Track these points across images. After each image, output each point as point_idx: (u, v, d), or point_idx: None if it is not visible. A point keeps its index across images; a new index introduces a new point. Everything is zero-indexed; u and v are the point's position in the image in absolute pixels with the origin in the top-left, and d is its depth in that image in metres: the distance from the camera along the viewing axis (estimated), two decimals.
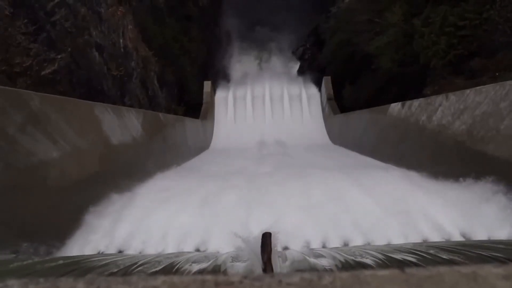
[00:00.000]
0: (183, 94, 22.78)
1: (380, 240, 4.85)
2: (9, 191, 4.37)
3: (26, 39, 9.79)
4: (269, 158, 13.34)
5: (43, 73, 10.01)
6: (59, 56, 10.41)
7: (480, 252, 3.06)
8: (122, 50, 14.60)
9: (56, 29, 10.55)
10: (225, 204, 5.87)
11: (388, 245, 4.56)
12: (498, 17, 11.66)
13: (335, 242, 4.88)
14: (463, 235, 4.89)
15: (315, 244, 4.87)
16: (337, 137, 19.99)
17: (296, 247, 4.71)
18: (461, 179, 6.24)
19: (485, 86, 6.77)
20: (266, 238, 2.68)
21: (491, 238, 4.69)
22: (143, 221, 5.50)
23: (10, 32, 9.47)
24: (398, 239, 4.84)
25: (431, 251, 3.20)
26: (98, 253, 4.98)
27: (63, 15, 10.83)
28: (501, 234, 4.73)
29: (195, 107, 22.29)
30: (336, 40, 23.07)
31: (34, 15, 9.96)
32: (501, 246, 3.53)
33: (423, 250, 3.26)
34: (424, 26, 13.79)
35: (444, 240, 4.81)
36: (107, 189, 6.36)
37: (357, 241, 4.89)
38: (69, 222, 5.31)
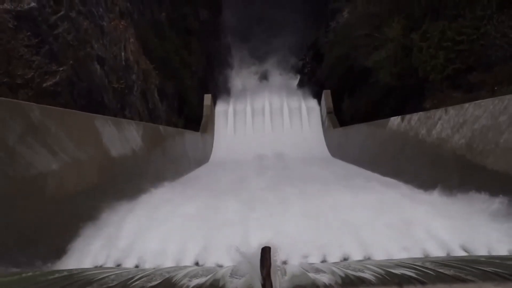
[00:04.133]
0: (183, 107, 22.88)
1: (380, 254, 4.81)
2: (7, 203, 4.35)
3: (29, 52, 9.88)
4: (268, 171, 13.32)
5: (44, 85, 10.07)
6: (60, 69, 10.49)
7: (481, 268, 3.03)
8: (123, 63, 14.72)
9: (59, 42, 10.65)
10: (224, 219, 5.83)
11: (389, 260, 4.52)
12: (495, 32, 11.81)
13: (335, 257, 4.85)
14: (463, 250, 4.85)
15: (314, 258, 4.84)
16: (337, 150, 20.01)
17: (295, 261, 4.68)
18: (460, 192, 6.24)
19: (484, 100, 6.81)
20: (266, 252, 2.66)
21: (491, 253, 4.66)
22: (142, 234, 5.46)
23: (13, 44, 9.56)
24: (398, 253, 4.80)
25: (431, 266, 3.17)
26: (96, 266, 4.93)
27: (66, 28, 10.95)
28: (501, 248, 4.70)
29: (195, 120, 22.36)
30: (335, 54, 23.29)
31: (37, 28, 10.07)
32: (502, 261, 3.50)
33: (423, 265, 3.23)
34: (422, 41, 13.94)
35: (444, 255, 4.77)
36: (105, 201, 6.33)
37: (357, 256, 4.85)
38: (66, 234, 5.27)
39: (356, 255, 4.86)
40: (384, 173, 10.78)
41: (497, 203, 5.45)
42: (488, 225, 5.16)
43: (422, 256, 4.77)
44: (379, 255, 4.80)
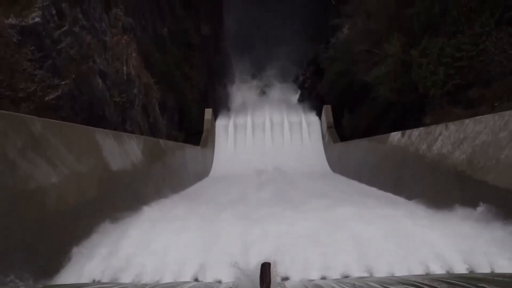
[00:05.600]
0: (183, 121, 22.95)
1: (382, 269, 4.76)
2: (5, 216, 4.33)
3: (32, 66, 9.98)
4: (268, 186, 13.27)
5: (46, 98, 10.13)
6: (63, 82, 10.57)
7: (483, 285, 3.00)
8: (125, 77, 14.83)
9: (61, 56, 10.76)
10: (223, 236, 5.76)
11: (390, 277, 4.47)
12: (494, 49, 11.92)
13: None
14: (465, 266, 4.79)
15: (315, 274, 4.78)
16: (337, 165, 19.97)
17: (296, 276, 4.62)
18: (461, 208, 6.20)
19: (484, 116, 6.83)
20: (265, 268, 2.63)
21: (493, 270, 4.61)
22: (141, 248, 5.42)
23: (16, 58, 9.67)
24: (400, 268, 4.75)
25: (433, 284, 3.14)
26: (93, 281, 4.87)
27: (69, 43, 11.07)
28: (502, 265, 4.65)
29: (196, 134, 22.40)
30: (335, 70, 23.46)
31: (41, 42, 10.20)
32: (504, 279, 3.46)
33: (424, 283, 3.19)
34: (421, 57, 14.06)
35: (446, 272, 4.71)
36: (105, 215, 6.29)
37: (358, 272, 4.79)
38: (64, 248, 5.23)
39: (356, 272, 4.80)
40: (385, 189, 10.74)
41: (498, 219, 5.42)
42: (488, 240, 5.12)
43: (423, 273, 4.71)
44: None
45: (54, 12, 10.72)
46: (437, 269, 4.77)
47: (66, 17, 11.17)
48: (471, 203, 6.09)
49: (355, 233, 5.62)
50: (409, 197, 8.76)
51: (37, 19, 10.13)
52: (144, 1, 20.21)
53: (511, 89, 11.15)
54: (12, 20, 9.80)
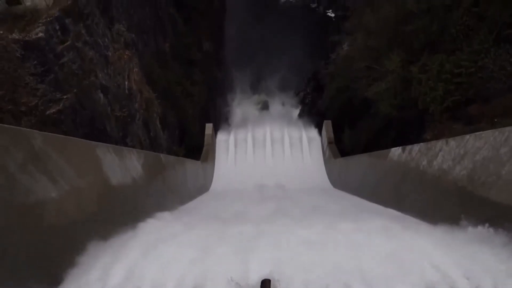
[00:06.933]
0: (184, 136, 23.00)
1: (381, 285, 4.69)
2: (3, 230, 4.29)
3: (34, 80, 10.07)
4: (269, 202, 13.18)
5: (48, 112, 10.19)
6: (64, 97, 10.65)
7: None
8: (126, 92, 14.93)
9: (64, 71, 10.87)
10: (221, 253, 5.68)
11: None
12: (493, 66, 12.02)
13: None
14: (468, 283, 4.72)
15: None
16: (338, 181, 19.91)
17: None
18: (463, 224, 6.15)
19: (484, 131, 6.83)
20: (265, 285, 2.60)
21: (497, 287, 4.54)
22: (139, 264, 5.35)
23: (19, 73, 9.76)
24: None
25: None
26: None
27: (71, 57, 11.20)
28: (507, 283, 4.58)
29: (196, 149, 22.41)
30: (336, 85, 23.65)
31: (43, 57, 10.31)
32: None
33: None
34: (421, 73, 14.18)
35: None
36: (104, 230, 6.24)
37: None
38: (63, 263, 5.16)
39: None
40: (386, 204, 10.67)
41: (500, 235, 5.36)
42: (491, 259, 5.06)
43: None
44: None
45: (57, 27, 10.88)
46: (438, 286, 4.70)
47: (69, 33, 11.32)
48: (472, 219, 6.04)
49: (354, 250, 5.56)
50: (410, 213, 8.70)
51: (40, 34, 10.28)
52: (147, 17, 20.52)
53: (511, 105, 11.20)
54: (16, 35, 9.94)
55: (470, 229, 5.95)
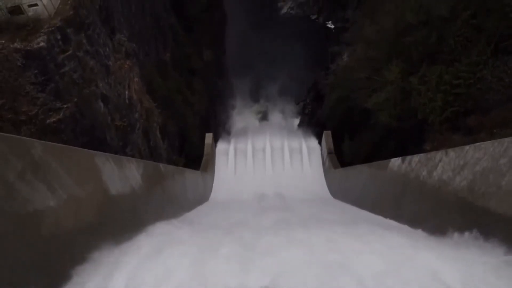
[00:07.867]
0: (184, 145, 23.01)
1: None
2: (0, 239, 4.26)
3: (35, 89, 10.11)
4: (268, 213, 13.10)
5: (48, 121, 10.21)
6: (64, 106, 10.68)
7: None
8: (127, 101, 14.98)
9: (64, 80, 10.92)
10: (221, 262, 5.64)
11: None
12: (491, 77, 12.09)
13: None
14: None
15: None
16: (338, 191, 19.85)
17: None
18: (463, 235, 6.11)
19: (484, 142, 6.83)
20: None
21: None
22: (138, 275, 5.30)
23: (19, 82, 9.80)
24: None
25: None
26: None
27: (72, 67, 11.26)
28: None
29: (196, 158, 22.40)
30: (335, 96, 23.75)
31: (44, 66, 10.37)
32: None
33: None
34: (420, 84, 14.25)
35: None
36: (102, 240, 6.19)
37: None
38: (59, 274, 5.11)
39: None
40: (386, 215, 10.62)
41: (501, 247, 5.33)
42: (491, 269, 5.01)
43: None
44: None
45: (59, 37, 10.96)
46: None
47: (70, 42, 11.40)
48: (472, 230, 6.01)
49: (355, 262, 5.51)
50: (410, 223, 8.66)
51: (42, 44, 10.35)
52: (148, 27, 20.69)
53: (510, 116, 11.23)
54: (17, 45, 10.01)
55: (470, 239, 5.91)
